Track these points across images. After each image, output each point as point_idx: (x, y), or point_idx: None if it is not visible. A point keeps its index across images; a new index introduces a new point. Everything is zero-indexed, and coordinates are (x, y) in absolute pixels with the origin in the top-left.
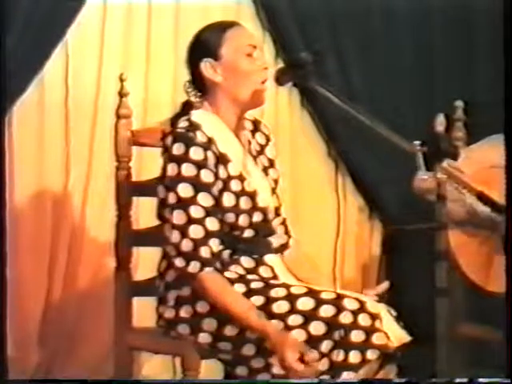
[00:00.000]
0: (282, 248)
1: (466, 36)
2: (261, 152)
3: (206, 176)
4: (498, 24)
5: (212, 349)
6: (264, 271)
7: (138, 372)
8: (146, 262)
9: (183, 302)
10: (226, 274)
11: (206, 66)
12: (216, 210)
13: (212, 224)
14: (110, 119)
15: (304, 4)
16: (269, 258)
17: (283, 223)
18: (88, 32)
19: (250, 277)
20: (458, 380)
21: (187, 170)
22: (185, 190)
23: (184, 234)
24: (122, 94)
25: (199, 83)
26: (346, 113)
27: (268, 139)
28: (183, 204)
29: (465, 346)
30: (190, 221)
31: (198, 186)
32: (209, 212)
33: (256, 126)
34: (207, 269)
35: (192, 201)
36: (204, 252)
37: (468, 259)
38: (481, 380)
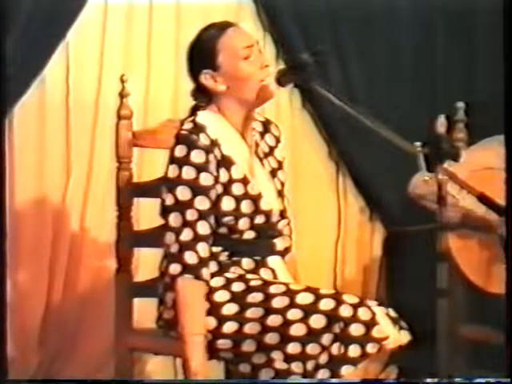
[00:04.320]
0: (286, 251)
1: (466, 37)
2: (269, 154)
3: (206, 179)
4: (499, 25)
5: (212, 348)
6: (264, 273)
7: (139, 373)
8: (146, 263)
9: None
10: (226, 274)
11: (206, 78)
12: (211, 213)
13: (202, 227)
14: (110, 120)
15: (305, 4)
16: (271, 260)
17: (288, 225)
18: (89, 33)
19: (249, 276)
20: (458, 380)
21: (187, 172)
22: (183, 192)
23: (177, 236)
24: (122, 95)
25: (203, 91)
26: (347, 114)
27: (278, 140)
28: (180, 207)
29: (465, 347)
30: (185, 224)
31: (197, 189)
32: (203, 215)
33: (266, 128)
34: (187, 275)
35: (189, 204)
36: (189, 257)
37: (468, 261)
38: (481, 380)
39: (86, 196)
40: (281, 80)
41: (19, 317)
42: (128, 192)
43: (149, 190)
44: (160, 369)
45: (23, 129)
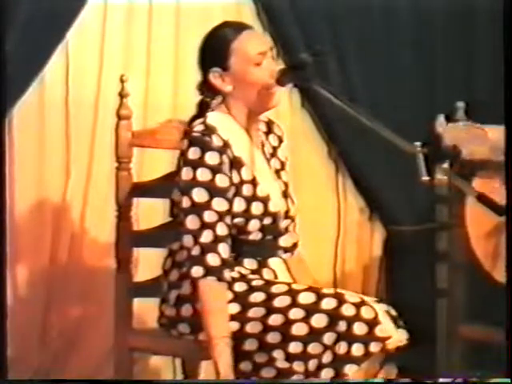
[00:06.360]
0: (294, 247)
1: (466, 36)
2: (273, 154)
3: (222, 181)
4: (499, 24)
5: None
6: (266, 273)
7: (139, 373)
8: (146, 262)
9: (184, 301)
10: (230, 274)
11: (215, 76)
12: (228, 214)
13: (221, 229)
14: (110, 120)
15: (305, 4)
16: (273, 261)
17: (293, 222)
18: (89, 33)
19: (251, 276)
20: (458, 380)
21: (202, 174)
22: (199, 194)
23: (196, 238)
24: (122, 95)
25: (210, 88)
26: (347, 114)
27: (280, 140)
28: (197, 209)
29: (465, 346)
30: (204, 226)
31: (213, 190)
32: (221, 217)
33: (269, 128)
34: (210, 277)
35: (206, 205)
36: (211, 259)
37: (478, 234)
38: (481, 380)
39: (85, 196)
40: (280, 80)
41: (19, 317)
42: (128, 192)
43: (149, 189)
44: (160, 369)
45: (23, 129)
